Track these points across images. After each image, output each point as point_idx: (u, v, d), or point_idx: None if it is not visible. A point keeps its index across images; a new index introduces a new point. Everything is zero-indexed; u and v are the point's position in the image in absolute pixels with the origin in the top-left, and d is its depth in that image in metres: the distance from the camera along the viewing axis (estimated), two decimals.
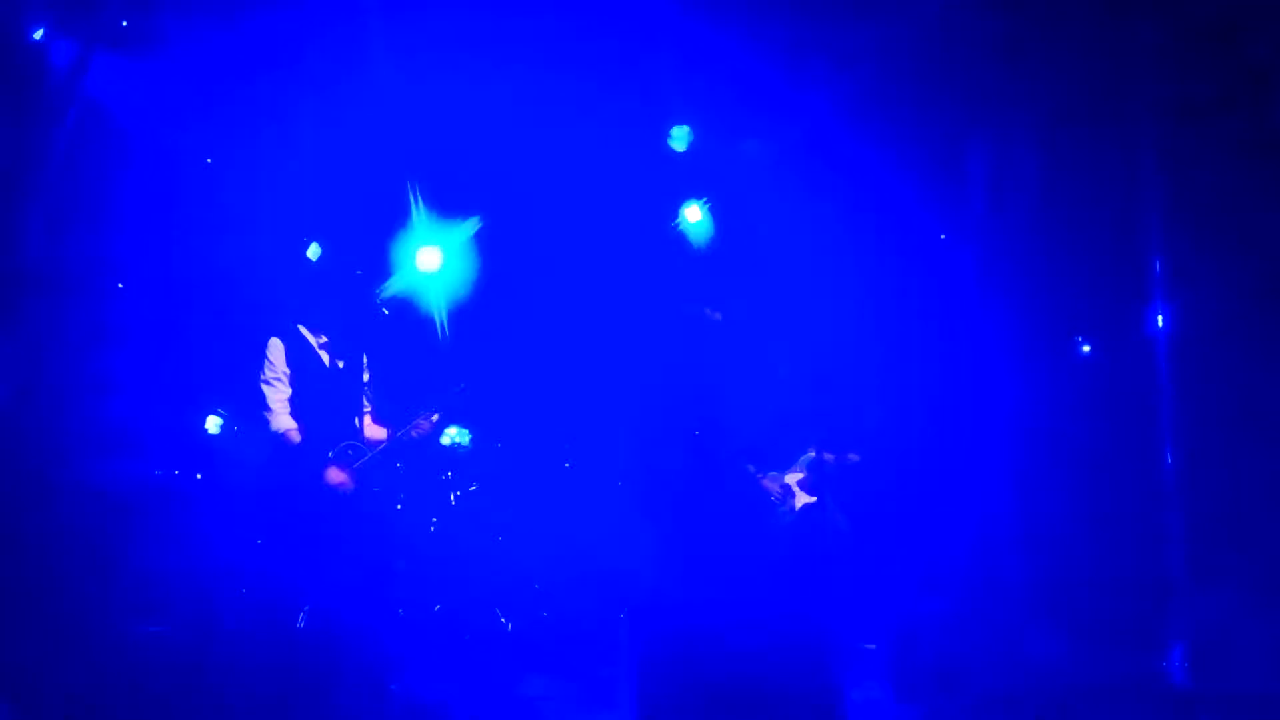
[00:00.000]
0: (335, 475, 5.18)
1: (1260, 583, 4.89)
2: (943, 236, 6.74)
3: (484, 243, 7.10)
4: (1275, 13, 5.29)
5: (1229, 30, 5.41)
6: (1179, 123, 5.56)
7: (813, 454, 5.99)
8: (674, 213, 7.32)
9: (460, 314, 6.86)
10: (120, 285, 6.02)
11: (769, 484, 5.91)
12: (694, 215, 7.38)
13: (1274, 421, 5.33)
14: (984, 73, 6.13)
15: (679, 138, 7.19)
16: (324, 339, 5.36)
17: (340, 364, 5.31)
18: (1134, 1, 5.60)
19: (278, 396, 5.19)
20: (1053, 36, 5.87)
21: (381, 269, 6.34)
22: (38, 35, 4.87)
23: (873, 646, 5.12)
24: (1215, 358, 5.49)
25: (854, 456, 5.84)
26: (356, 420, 5.33)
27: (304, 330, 5.33)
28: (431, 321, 6.74)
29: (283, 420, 5.18)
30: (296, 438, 5.14)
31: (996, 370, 6.32)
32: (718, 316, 5.44)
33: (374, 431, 5.43)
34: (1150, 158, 5.62)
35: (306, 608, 4.74)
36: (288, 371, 5.22)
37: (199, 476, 5.65)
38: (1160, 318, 5.50)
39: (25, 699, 3.10)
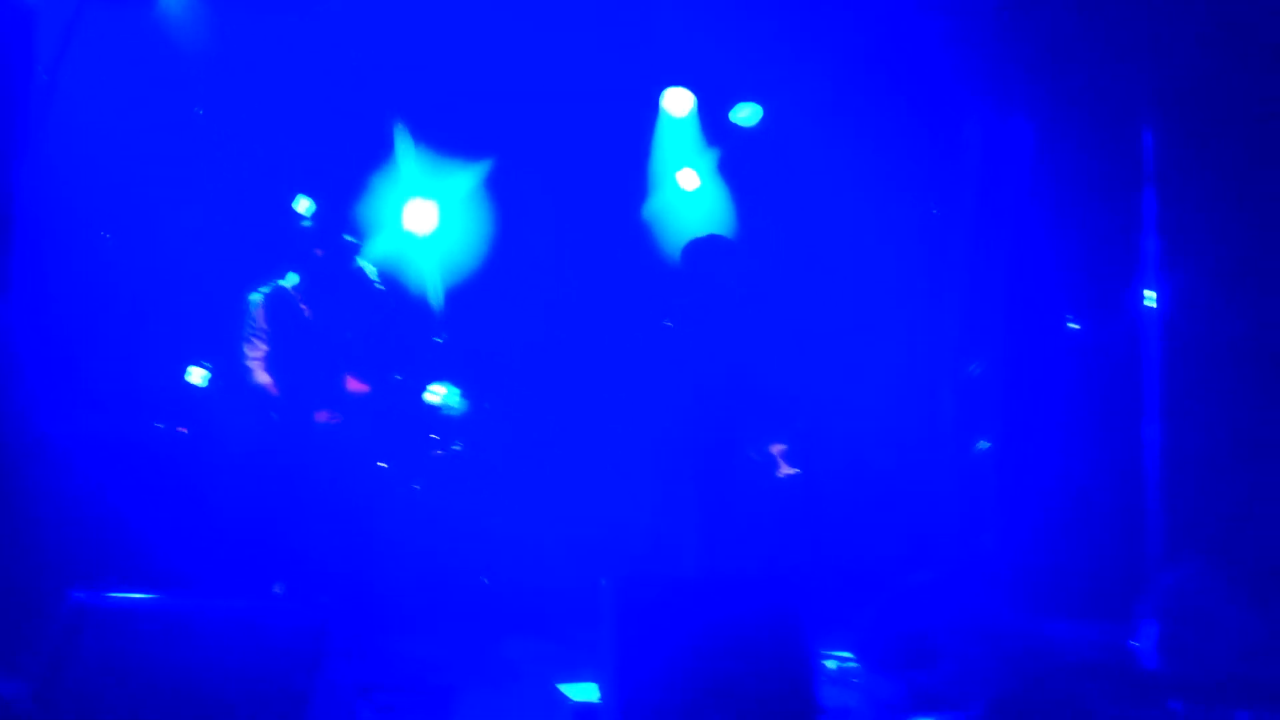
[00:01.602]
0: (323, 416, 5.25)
1: (1236, 565, 4.94)
2: (935, 211, 6.73)
3: (484, 199, 7.04)
4: None
5: (1229, 8, 5.37)
6: (1176, 101, 5.53)
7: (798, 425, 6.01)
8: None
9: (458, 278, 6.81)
10: (107, 235, 6.00)
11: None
12: (690, 181, 7.33)
13: (1261, 404, 5.35)
14: (980, 49, 6.09)
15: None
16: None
17: (314, 314, 5.29)
18: None
19: (255, 354, 5.23)
20: (1050, 14, 5.82)
21: (371, 229, 6.31)
22: None
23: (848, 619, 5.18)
24: (1205, 338, 5.50)
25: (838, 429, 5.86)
26: (341, 377, 5.36)
27: (288, 285, 5.32)
28: (423, 295, 6.69)
29: (260, 376, 5.22)
30: (274, 393, 5.19)
31: (984, 344, 6.34)
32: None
33: (356, 386, 5.46)
34: (1147, 136, 5.59)
35: (282, 580, 4.79)
36: (267, 329, 5.24)
37: (183, 430, 5.65)
38: (1153, 296, 5.50)
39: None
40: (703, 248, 5.48)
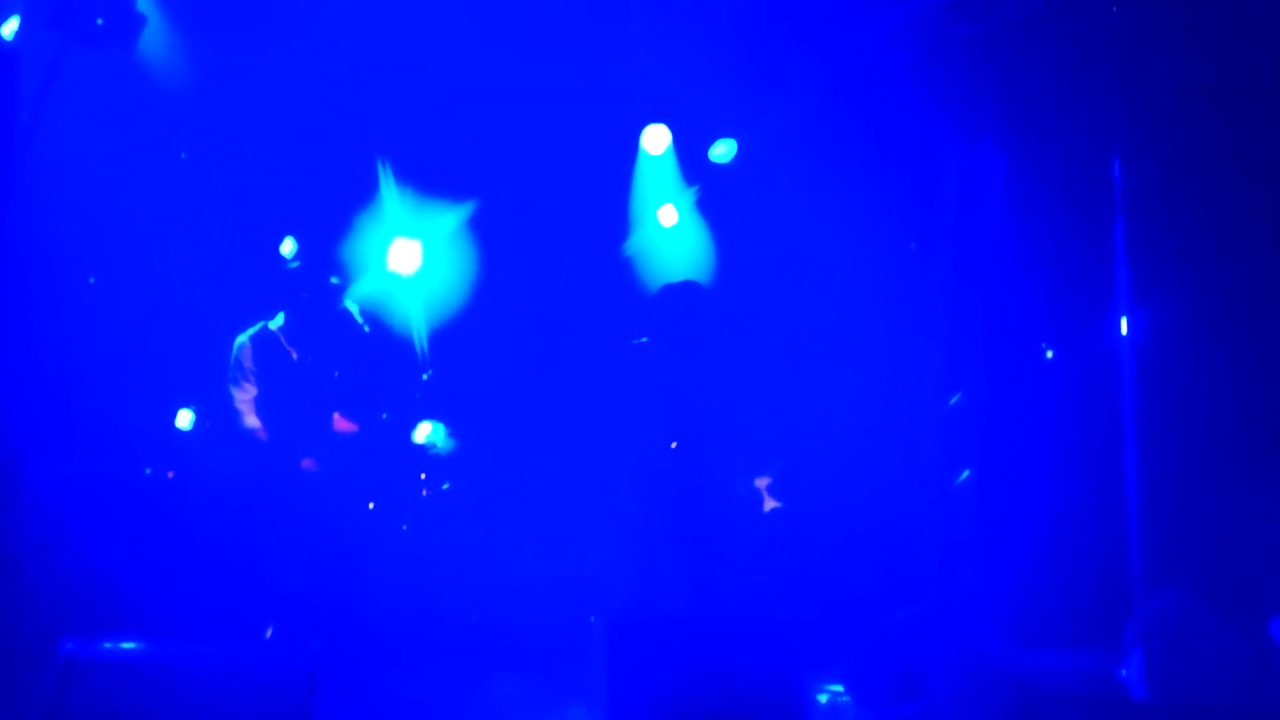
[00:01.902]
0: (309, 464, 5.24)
1: (1220, 592, 4.98)
2: (911, 244, 6.81)
3: (468, 239, 7.08)
4: (1243, 23, 5.37)
5: (1197, 40, 5.48)
6: (1148, 133, 5.63)
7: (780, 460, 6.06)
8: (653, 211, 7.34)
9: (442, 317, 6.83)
10: (92, 280, 6.00)
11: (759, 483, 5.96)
12: (669, 217, 7.40)
13: (1237, 429, 5.41)
14: (952, 84, 6.19)
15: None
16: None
17: (301, 355, 5.31)
18: (1102, 9, 5.66)
19: (244, 396, 5.22)
20: (1022, 45, 5.93)
21: (356, 270, 6.33)
22: (8, 33, 4.83)
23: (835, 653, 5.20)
24: (1179, 366, 5.57)
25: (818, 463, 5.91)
26: (329, 418, 5.36)
27: (274, 327, 5.33)
28: (408, 334, 6.71)
29: (249, 419, 5.21)
30: (263, 436, 5.17)
31: (962, 376, 6.40)
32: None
33: (344, 426, 5.46)
34: (1118, 167, 5.68)
35: (272, 623, 4.77)
36: (255, 370, 5.23)
37: (170, 474, 5.64)
38: (1125, 324, 5.57)
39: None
40: (674, 293, 5.56)
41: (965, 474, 6.26)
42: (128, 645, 3.24)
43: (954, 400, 6.43)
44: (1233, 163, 5.44)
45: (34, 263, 5.36)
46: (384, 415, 5.69)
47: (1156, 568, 5.22)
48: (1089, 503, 5.64)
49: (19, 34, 4.85)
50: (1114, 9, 5.64)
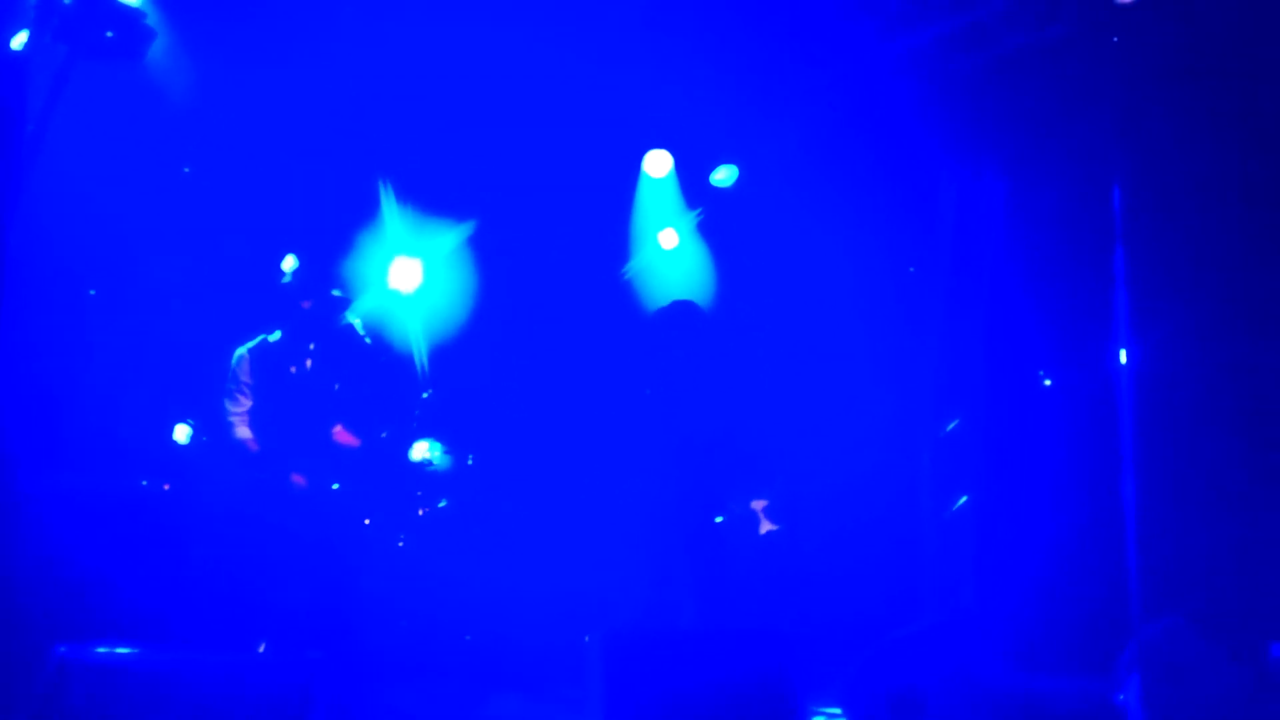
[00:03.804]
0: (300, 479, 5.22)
1: (1218, 618, 4.97)
2: (911, 269, 6.84)
3: (468, 258, 7.10)
4: (1243, 53, 5.42)
5: (1197, 69, 5.53)
6: (1148, 161, 5.67)
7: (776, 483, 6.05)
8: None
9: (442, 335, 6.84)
10: (92, 292, 6.00)
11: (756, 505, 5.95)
12: (669, 240, 7.43)
13: (1237, 456, 5.42)
14: (953, 111, 6.24)
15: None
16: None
17: (299, 369, 5.30)
18: (1102, 41, 5.71)
19: (236, 409, 5.23)
20: (1023, 74, 5.98)
21: (357, 288, 6.35)
22: (17, 45, 4.86)
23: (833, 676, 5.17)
24: (1178, 394, 5.58)
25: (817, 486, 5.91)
26: (327, 431, 5.36)
27: (273, 340, 5.33)
28: (408, 351, 6.72)
29: (240, 430, 5.21)
30: (254, 448, 5.18)
31: (961, 402, 6.41)
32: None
33: (346, 439, 5.46)
34: (1118, 194, 5.71)
35: (266, 638, 4.75)
36: (251, 383, 5.24)
37: (166, 487, 5.62)
38: (1124, 354, 5.58)
39: None
40: (670, 315, 5.57)
41: (962, 500, 6.26)
42: (122, 650, 3.22)
43: (951, 426, 6.44)
44: (1233, 191, 5.48)
45: (35, 274, 5.36)
46: (384, 434, 5.69)
47: (1154, 593, 5.20)
48: (1087, 528, 5.64)
49: (28, 46, 4.88)
50: (1115, 39, 5.69)
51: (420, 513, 6.01)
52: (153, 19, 5.35)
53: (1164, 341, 5.59)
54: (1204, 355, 5.56)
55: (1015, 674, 4.93)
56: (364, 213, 6.95)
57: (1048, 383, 6.55)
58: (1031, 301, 6.25)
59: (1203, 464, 5.44)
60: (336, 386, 5.43)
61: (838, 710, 4.86)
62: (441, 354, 6.95)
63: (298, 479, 5.20)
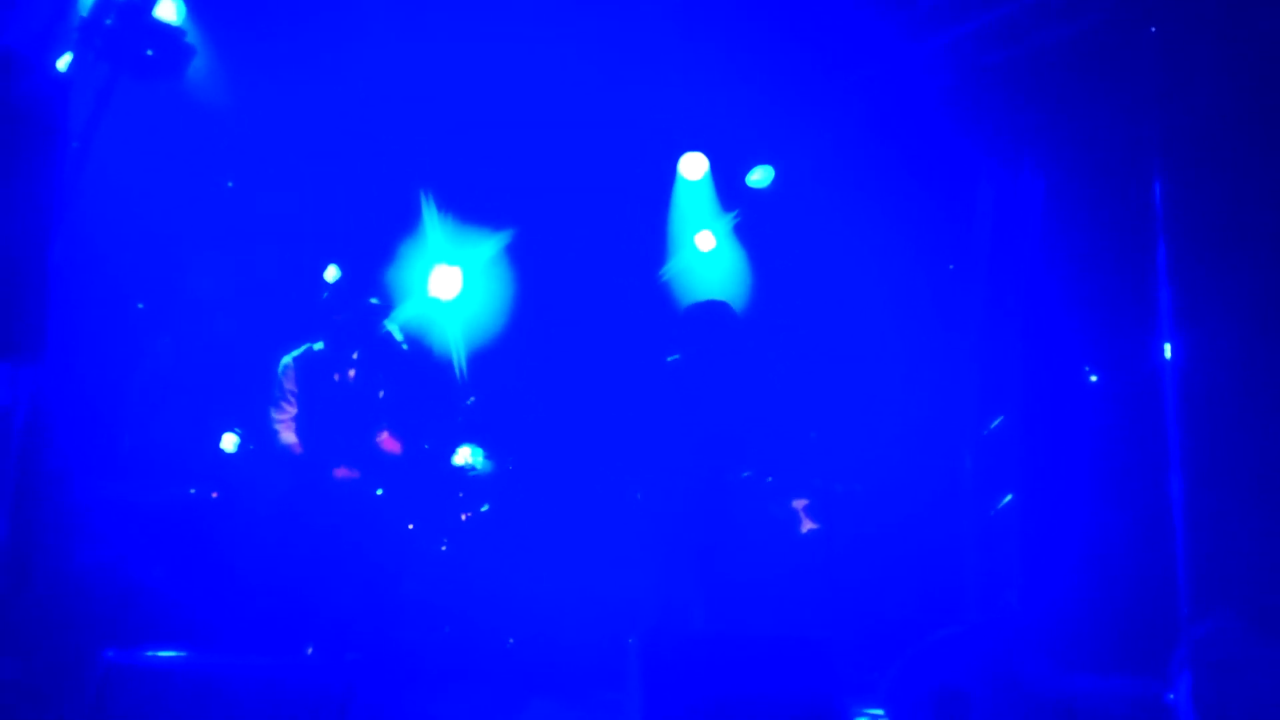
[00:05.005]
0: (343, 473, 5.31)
1: (1268, 616, 4.88)
2: (950, 267, 6.78)
3: (507, 265, 7.15)
4: None
5: (1237, 58, 5.44)
6: (1189, 153, 5.58)
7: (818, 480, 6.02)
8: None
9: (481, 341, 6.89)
10: (140, 306, 6.13)
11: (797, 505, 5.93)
12: (706, 243, 7.43)
13: None
14: (989, 106, 6.18)
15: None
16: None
17: (342, 376, 5.37)
18: (1139, 30, 5.64)
19: (281, 416, 5.32)
20: (1060, 67, 5.92)
21: (397, 296, 6.42)
22: (61, 65, 4.98)
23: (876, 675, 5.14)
24: (1224, 388, 5.48)
25: (858, 485, 5.87)
26: (372, 437, 5.44)
27: (318, 349, 5.41)
28: (448, 358, 6.79)
29: (285, 436, 5.30)
30: (298, 451, 5.27)
31: (1004, 399, 6.34)
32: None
33: (391, 445, 5.54)
34: (1159, 187, 5.63)
35: (311, 642, 4.82)
36: (295, 391, 5.33)
37: (214, 495, 5.72)
38: (1169, 349, 5.50)
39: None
40: (701, 312, 5.57)
41: (1008, 498, 6.20)
42: (167, 654, 3.28)
43: (995, 424, 6.38)
44: (1276, 182, 5.38)
45: (84, 289, 5.48)
46: (426, 446, 5.76)
47: (1203, 592, 5.12)
48: (1134, 526, 5.55)
49: (72, 66, 4.99)
50: (1153, 29, 5.61)
51: (463, 517, 6.06)
52: (192, 37, 5.45)
53: (1209, 335, 5.50)
54: (1250, 348, 5.45)
55: (1060, 674, 4.87)
56: (405, 222, 7.03)
57: (1094, 378, 6.47)
58: (1073, 297, 6.17)
59: (1251, 459, 5.33)
60: (381, 394, 5.50)
61: (880, 711, 4.82)
62: (482, 360, 7.00)
63: (344, 472, 5.28)
